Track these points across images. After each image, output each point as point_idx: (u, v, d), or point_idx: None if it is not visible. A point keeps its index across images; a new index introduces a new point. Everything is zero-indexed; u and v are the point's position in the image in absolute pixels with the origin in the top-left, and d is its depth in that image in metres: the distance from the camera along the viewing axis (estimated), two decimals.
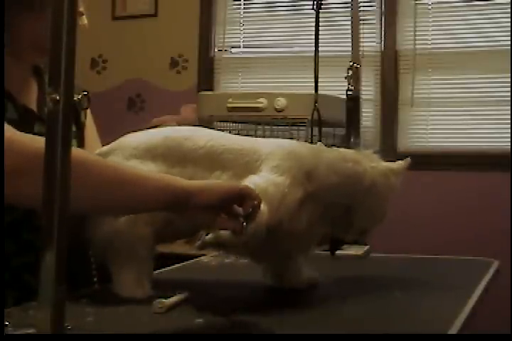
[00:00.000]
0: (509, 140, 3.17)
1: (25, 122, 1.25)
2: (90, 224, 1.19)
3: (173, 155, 1.22)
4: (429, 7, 3.42)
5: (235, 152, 1.21)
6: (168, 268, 1.48)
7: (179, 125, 1.76)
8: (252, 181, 1.15)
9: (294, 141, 1.35)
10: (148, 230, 1.18)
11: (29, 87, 1.31)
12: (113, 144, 1.26)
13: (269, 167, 1.18)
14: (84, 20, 1.28)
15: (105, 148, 1.27)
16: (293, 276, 1.26)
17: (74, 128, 1.41)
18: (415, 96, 3.42)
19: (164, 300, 1.08)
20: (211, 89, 3.69)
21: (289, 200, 1.15)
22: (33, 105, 1.30)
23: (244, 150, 1.22)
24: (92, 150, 1.36)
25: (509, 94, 3.21)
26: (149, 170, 1.19)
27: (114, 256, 1.19)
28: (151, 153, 1.22)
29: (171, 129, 1.32)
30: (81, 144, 1.41)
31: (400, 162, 1.31)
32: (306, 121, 2.02)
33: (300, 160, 1.20)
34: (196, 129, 1.30)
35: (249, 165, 1.20)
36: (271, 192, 1.13)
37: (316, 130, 1.89)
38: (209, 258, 1.63)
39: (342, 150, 1.27)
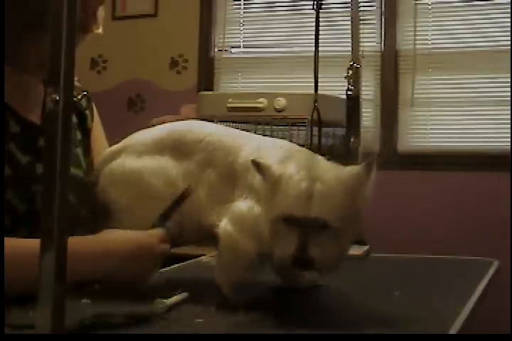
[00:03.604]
0: (509, 140, 3.17)
1: (28, 136, 1.24)
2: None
3: (177, 149, 1.23)
4: (429, 7, 3.42)
5: (227, 149, 1.20)
6: (168, 268, 1.48)
7: None
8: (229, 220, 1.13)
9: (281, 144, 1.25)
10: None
11: (36, 102, 1.30)
12: (122, 142, 1.28)
13: (243, 187, 1.15)
14: (100, 28, 1.31)
15: (115, 147, 1.28)
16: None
17: (79, 136, 1.39)
18: (415, 96, 3.42)
19: (164, 300, 1.08)
20: (211, 89, 3.69)
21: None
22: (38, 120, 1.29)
23: (233, 148, 1.20)
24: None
25: (509, 94, 3.21)
26: (159, 163, 1.21)
27: None
28: (158, 148, 1.23)
29: (177, 123, 1.31)
30: (87, 153, 1.40)
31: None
32: (306, 121, 2.03)
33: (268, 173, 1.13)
34: (201, 123, 1.29)
35: (234, 165, 1.17)
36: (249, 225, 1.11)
37: (316, 130, 1.89)
38: (209, 258, 1.63)
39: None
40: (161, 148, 1.23)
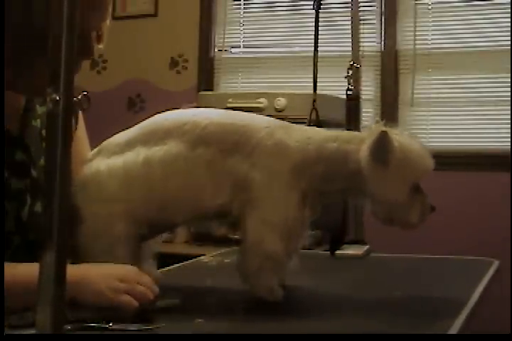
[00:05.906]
0: (509, 140, 3.17)
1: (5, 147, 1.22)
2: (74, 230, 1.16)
3: (153, 137, 1.20)
4: (429, 7, 3.42)
5: (221, 126, 1.17)
6: (168, 268, 1.48)
7: None
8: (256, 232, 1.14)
9: (281, 126, 1.22)
10: (127, 227, 1.16)
11: (10, 106, 1.27)
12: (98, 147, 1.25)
13: (262, 175, 1.14)
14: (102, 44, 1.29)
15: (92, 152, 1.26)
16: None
17: None
18: (415, 96, 3.42)
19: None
20: (211, 89, 3.69)
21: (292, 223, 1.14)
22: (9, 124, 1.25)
23: (235, 125, 1.17)
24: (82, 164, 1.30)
25: (509, 94, 3.21)
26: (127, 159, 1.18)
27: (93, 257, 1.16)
28: (129, 145, 1.21)
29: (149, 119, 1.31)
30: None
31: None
32: (306, 121, 2.02)
33: (287, 156, 1.15)
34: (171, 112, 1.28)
35: (239, 145, 1.15)
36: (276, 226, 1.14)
37: None
38: (209, 258, 1.63)
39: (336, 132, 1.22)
40: (132, 144, 1.21)
